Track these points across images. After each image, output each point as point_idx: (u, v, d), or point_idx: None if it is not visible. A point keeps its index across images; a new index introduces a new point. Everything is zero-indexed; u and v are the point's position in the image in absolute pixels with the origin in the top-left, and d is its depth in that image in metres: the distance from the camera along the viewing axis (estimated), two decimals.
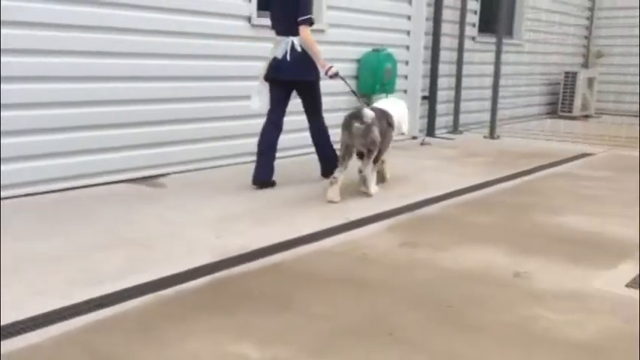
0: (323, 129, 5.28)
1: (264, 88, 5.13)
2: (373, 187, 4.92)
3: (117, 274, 3.13)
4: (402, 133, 5.46)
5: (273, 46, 5.08)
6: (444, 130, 8.64)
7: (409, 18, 7.80)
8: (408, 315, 2.77)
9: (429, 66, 8.20)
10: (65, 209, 4.33)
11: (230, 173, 5.65)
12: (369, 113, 4.68)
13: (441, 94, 8.47)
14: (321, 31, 6.44)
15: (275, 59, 5.01)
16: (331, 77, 4.98)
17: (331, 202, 4.65)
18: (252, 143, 6.03)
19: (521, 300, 2.96)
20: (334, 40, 6.71)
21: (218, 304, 2.84)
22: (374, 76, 7.10)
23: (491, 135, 8.51)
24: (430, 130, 8.29)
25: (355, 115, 4.72)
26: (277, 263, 3.41)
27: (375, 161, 4.93)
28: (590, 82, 11.35)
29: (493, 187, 5.46)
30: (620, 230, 4.13)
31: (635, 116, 11.18)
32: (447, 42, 8.47)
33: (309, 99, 5.19)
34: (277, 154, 5.16)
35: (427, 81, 8.20)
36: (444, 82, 8.52)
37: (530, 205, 4.84)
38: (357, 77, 7.22)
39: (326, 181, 4.96)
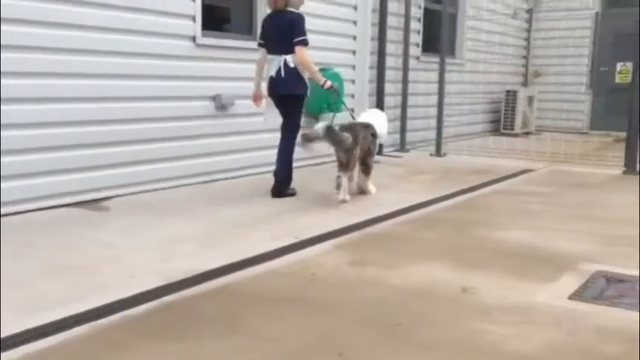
0: (292, 147, 5.51)
1: (271, 105, 5.54)
2: (343, 194, 5.24)
3: (59, 301, 3.03)
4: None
5: (257, 66, 5.55)
6: (392, 149, 8.76)
7: (354, 38, 7.91)
8: (357, 334, 2.77)
9: (375, 85, 8.33)
10: (3, 236, 4.16)
11: (176, 195, 5.56)
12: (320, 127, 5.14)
13: (388, 113, 8.49)
14: None
15: (271, 77, 5.40)
16: (328, 90, 5.57)
17: (343, 201, 5.18)
18: (199, 164, 6.01)
19: (468, 315, 3.00)
20: None
21: (165, 329, 2.78)
22: (321, 95, 7.13)
23: (438, 153, 8.67)
24: (378, 148, 8.37)
25: (344, 127, 5.33)
26: (225, 285, 3.37)
27: (366, 170, 5.65)
28: (530, 100, 11.75)
29: (440, 204, 5.56)
30: (561, 244, 4.26)
31: (572, 133, 11.63)
32: (392, 61, 8.63)
33: (291, 113, 5.49)
34: (226, 175, 5.18)
35: (374, 99, 8.32)
36: (390, 101, 8.65)
37: (475, 221, 4.94)
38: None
39: (276, 200, 5.32)
